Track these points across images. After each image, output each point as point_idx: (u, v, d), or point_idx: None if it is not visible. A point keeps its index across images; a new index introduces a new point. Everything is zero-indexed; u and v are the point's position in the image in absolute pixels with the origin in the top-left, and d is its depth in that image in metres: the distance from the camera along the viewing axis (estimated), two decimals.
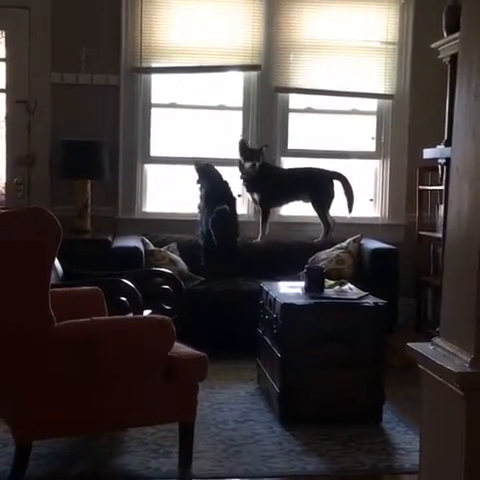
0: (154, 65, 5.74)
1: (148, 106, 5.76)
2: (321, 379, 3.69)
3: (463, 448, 1.99)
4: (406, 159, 5.90)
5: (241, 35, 5.71)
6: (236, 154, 5.52)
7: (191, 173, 5.47)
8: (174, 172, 5.87)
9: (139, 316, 3.59)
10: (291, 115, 5.90)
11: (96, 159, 5.39)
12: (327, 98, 5.89)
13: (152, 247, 5.19)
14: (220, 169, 5.46)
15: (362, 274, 5.21)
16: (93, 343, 2.85)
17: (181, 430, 3.15)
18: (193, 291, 4.84)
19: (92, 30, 5.56)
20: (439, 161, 4.84)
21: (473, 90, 2.09)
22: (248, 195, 5.67)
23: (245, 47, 5.72)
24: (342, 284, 4.08)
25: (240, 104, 5.84)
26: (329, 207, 5.61)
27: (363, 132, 6.02)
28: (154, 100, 5.78)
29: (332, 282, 4.09)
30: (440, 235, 5.08)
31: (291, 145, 5.90)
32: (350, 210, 5.60)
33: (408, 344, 2.32)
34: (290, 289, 4.08)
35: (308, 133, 5.98)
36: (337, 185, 5.61)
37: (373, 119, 6.00)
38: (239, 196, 5.63)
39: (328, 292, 3.95)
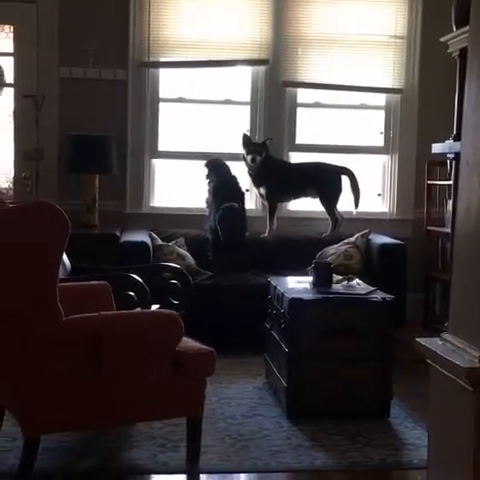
0: (162, 59, 5.73)
1: (156, 101, 5.75)
2: (329, 374, 3.69)
3: (472, 443, 1.99)
4: (414, 154, 5.87)
5: (249, 29, 5.69)
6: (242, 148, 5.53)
7: (199, 168, 5.47)
8: (182, 167, 5.87)
9: (147, 311, 3.60)
10: (299, 110, 5.88)
11: (104, 154, 5.39)
12: (335, 92, 5.88)
13: (160, 242, 5.19)
14: (228, 164, 5.45)
15: (370, 269, 5.20)
16: (101, 338, 2.85)
17: (189, 425, 3.15)
18: (201, 286, 4.84)
19: (100, 24, 5.55)
20: (448, 156, 4.82)
21: None
22: (255, 190, 5.67)
23: (253, 41, 5.70)
24: (350, 279, 4.08)
25: (248, 99, 5.83)
26: (337, 202, 5.60)
27: (371, 127, 6.00)
28: (162, 95, 5.77)
29: (340, 277, 4.08)
30: (448, 230, 5.06)
31: (299, 140, 5.89)
32: (356, 206, 5.59)
33: (417, 339, 2.31)
34: (298, 284, 4.08)
35: (316, 128, 5.97)
36: (345, 180, 5.61)
37: (381, 114, 5.98)
38: (247, 190, 5.63)
39: (336, 287, 3.95)
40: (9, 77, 5.62)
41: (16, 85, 5.59)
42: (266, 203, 5.62)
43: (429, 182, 5.78)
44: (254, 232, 5.51)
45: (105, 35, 5.56)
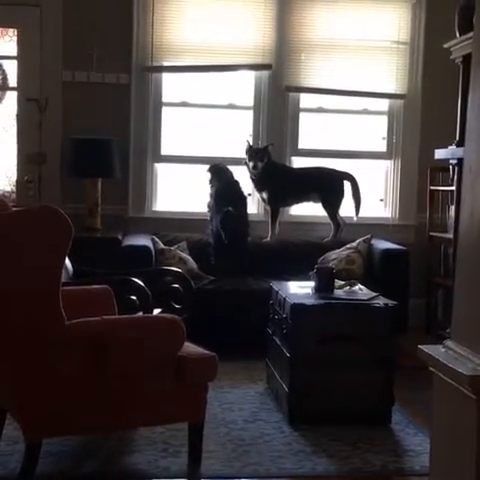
0: (165, 64, 5.75)
1: (159, 105, 5.76)
2: (330, 380, 3.68)
3: (475, 451, 1.98)
4: (417, 159, 5.88)
5: (252, 34, 5.70)
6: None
7: (201, 172, 5.47)
8: (184, 171, 5.87)
9: (149, 315, 3.59)
10: (302, 115, 5.89)
11: (107, 158, 5.40)
12: (338, 98, 5.88)
13: (162, 246, 5.19)
14: (231, 168, 5.45)
15: (372, 275, 5.19)
16: (103, 342, 2.85)
17: (190, 430, 3.14)
18: (203, 290, 4.83)
19: (103, 28, 5.56)
20: (450, 161, 4.82)
21: None
22: (257, 195, 5.67)
23: (256, 46, 5.72)
24: (352, 284, 4.07)
25: (251, 103, 5.84)
26: (339, 207, 5.60)
27: (374, 132, 6.01)
28: (165, 99, 5.78)
29: (342, 282, 4.07)
30: (451, 236, 5.06)
31: (302, 145, 5.89)
32: (357, 214, 5.59)
33: (419, 346, 2.30)
34: (300, 289, 4.08)
35: (319, 133, 5.97)
36: (347, 185, 5.61)
37: (384, 119, 5.99)
38: (249, 195, 5.63)
39: (338, 292, 3.94)
40: (13, 80, 5.63)
41: (19, 89, 5.60)
42: (268, 208, 5.62)
43: (431, 188, 5.78)
44: (256, 237, 5.50)
45: (108, 39, 5.57)
